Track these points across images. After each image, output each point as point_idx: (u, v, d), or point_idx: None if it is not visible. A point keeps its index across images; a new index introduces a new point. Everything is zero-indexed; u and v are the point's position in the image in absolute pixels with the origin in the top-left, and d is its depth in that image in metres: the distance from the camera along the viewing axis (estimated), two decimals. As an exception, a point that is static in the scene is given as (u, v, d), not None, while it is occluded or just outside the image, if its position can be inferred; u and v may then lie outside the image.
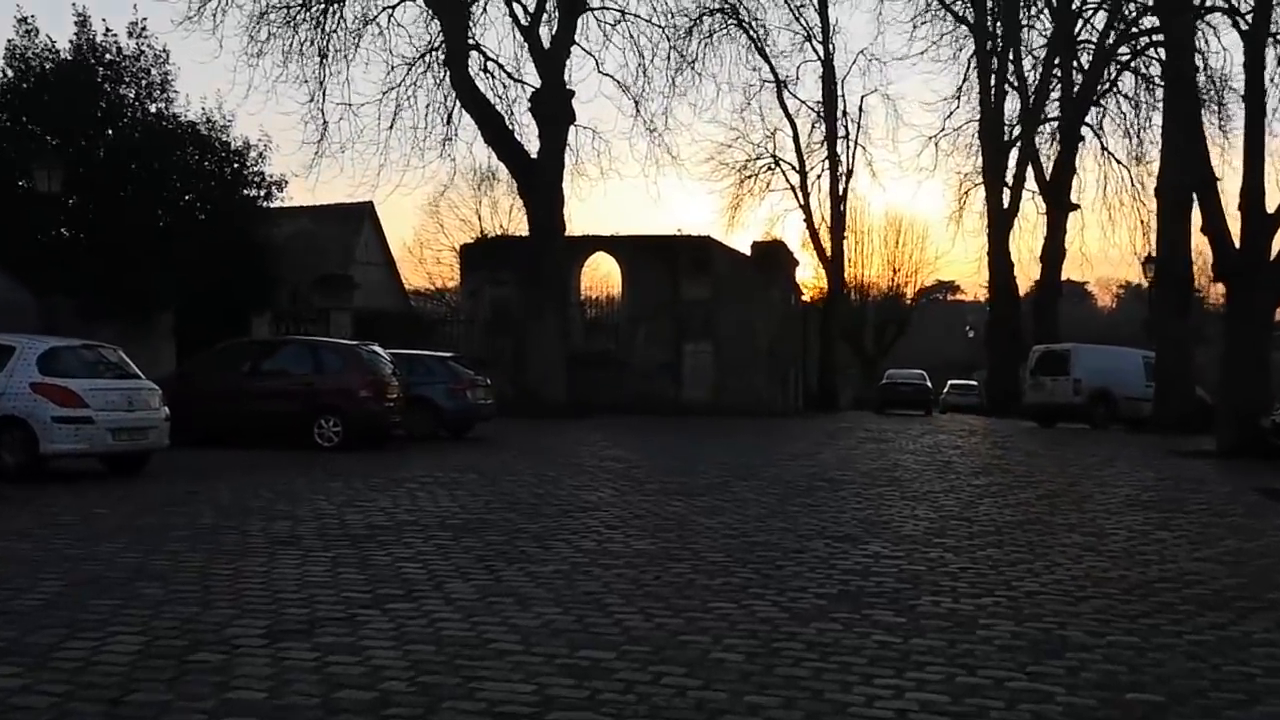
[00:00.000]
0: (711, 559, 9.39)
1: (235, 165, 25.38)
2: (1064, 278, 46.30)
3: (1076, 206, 42.29)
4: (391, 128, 29.96)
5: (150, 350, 22.98)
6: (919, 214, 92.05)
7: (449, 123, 30.17)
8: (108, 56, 23.86)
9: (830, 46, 46.51)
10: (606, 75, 33.17)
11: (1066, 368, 30.74)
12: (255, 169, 25.70)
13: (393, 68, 30.05)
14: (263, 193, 25.87)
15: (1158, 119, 40.12)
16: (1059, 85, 42.80)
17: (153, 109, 24.44)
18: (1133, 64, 39.77)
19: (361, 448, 18.92)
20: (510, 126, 30.70)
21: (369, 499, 12.80)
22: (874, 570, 9.02)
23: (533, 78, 30.59)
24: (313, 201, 45.06)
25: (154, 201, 23.43)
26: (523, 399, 29.27)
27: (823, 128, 47.39)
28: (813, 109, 47.47)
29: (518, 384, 30.37)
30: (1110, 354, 32.01)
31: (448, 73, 29.58)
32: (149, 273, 22.49)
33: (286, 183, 26.27)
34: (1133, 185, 43.55)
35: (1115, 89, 41.04)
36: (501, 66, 31.06)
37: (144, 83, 24.19)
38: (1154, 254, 37.52)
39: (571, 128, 30.98)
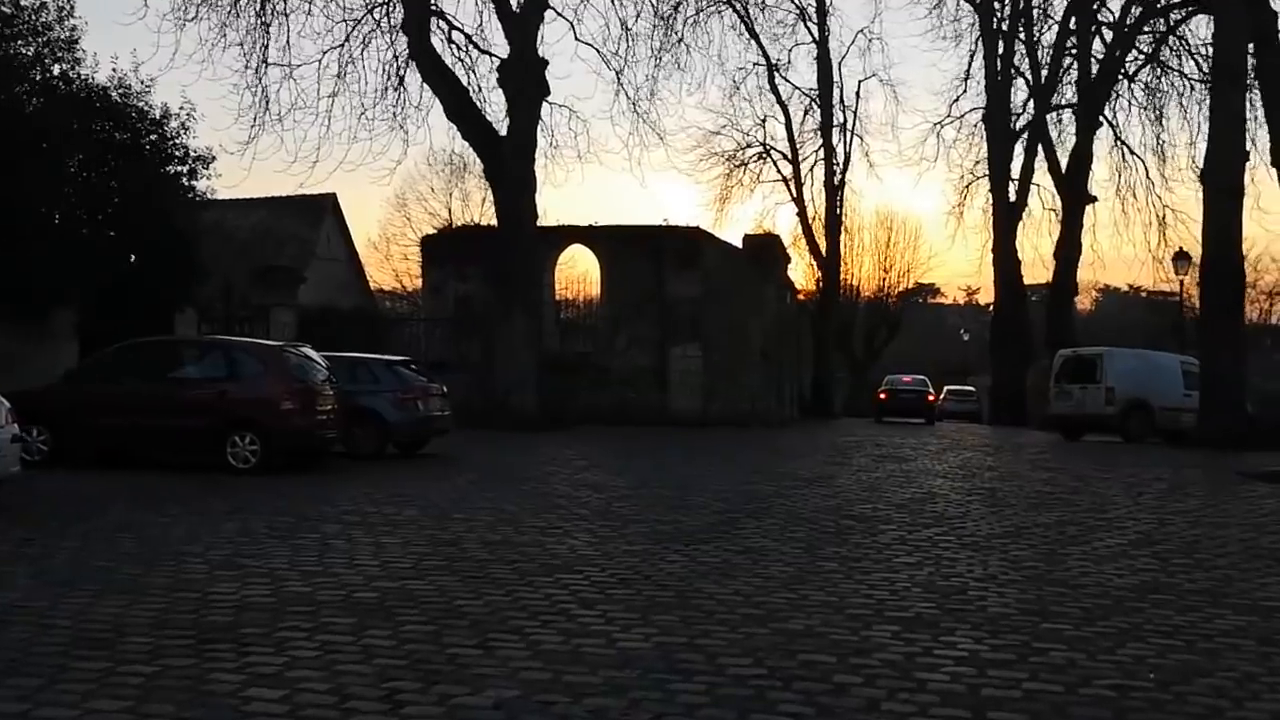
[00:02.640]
0: (735, 669, 6.24)
1: (153, 137, 21.90)
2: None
3: (1095, 199, 39.33)
4: (334, 96, 26.47)
5: (47, 353, 19.69)
6: (911, 212, 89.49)
7: (399, 88, 26.77)
8: (3, 9, 20.39)
9: (826, 28, 43.48)
10: (584, 43, 29.76)
11: (1097, 375, 27.66)
12: (177, 141, 22.26)
13: (335, 24, 26.44)
14: (186, 169, 22.46)
15: (1176, 107, 37.53)
16: (1074, 67, 39.82)
17: (55, 70, 20.98)
18: (1160, 52, 36.66)
19: (285, 470, 15.68)
20: (478, 104, 27.45)
21: (261, 553, 9.55)
22: (986, 691, 5.88)
23: (502, 50, 27.36)
24: (266, 192, 41.84)
25: (53, 178, 19.92)
26: (489, 409, 26.03)
27: (816, 114, 44.34)
28: (806, 94, 44.45)
29: (484, 391, 27.10)
30: (1146, 359, 28.95)
31: (397, 37, 26.31)
32: (46, 261, 19.04)
33: (214, 158, 22.85)
34: (1148, 178, 40.71)
35: (1131, 77, 37.95)
36: (468, 36, 27.80)
37: (45, 39, 20.72)
38: (1183, 249, 34.83)
39: (546, 105, 27.78)
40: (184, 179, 22.43)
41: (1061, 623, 7.65)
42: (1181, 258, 34.32)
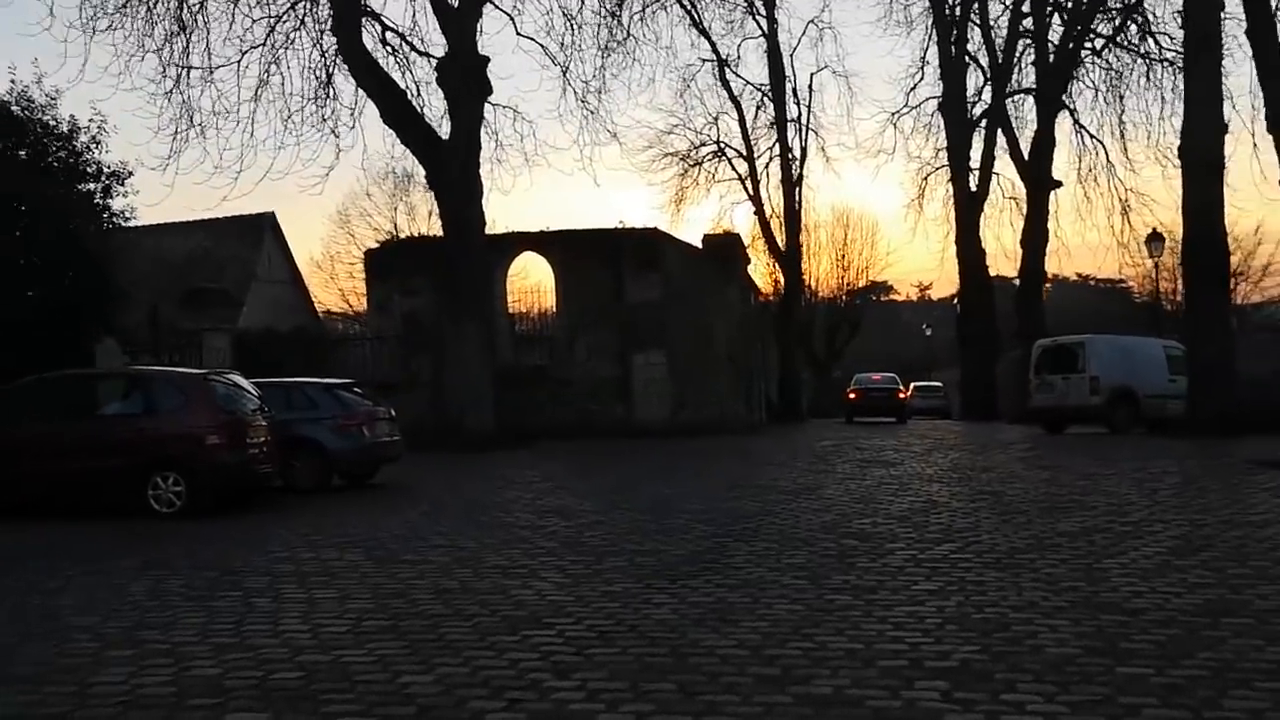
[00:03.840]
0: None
1: (62, 154, 20.12)
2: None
3: (1059, 184, 38.21)
4: (256, 99, 24.60)
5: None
6: (868, 208, 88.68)
7: (328, 88, 25.02)
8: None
9: (775, 20, 42.24)
10: (526, 38, 28.12)
11: (1079, 364, 26.49)
12: (88, 157, 20.48)
13: (255, 21, 24.66)
14: (99, 187, 20.71)
15: (1138, 87, 36.66)
16: (1032, 50, 38.78)
17: (-56, 82, 19.28)
18: (1124, 31, 35.62)
19: (216, 512, 14.09)
20: (417, 107, 25.88)
21: (168, 621, 8.04)
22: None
23: (439, 50, 25.78)
24: (203, 214, 40.00)
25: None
26: (443, 429, 24.45)
27: (770, 110, 43.07)
28: (758, 89, 43.18)
29: (437, 411, 25.54)
30: (1129, 346, 27.79)
31: (324, 35, 24.62)
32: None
33: (130, 174, 21.11)
34: (1108, 161, 39.76)
35: (1098, 52, 36.88)
36: (402, 36, 26.19)
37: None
38: (1156, 229, 33.90)
39: (489, 106, 26.26)
40: (97, 197, 20.71)
41: (1139, 664, 6.32)
42: (1155, 239, 33.34)
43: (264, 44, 24.40)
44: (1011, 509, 12.69)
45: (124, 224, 21.48)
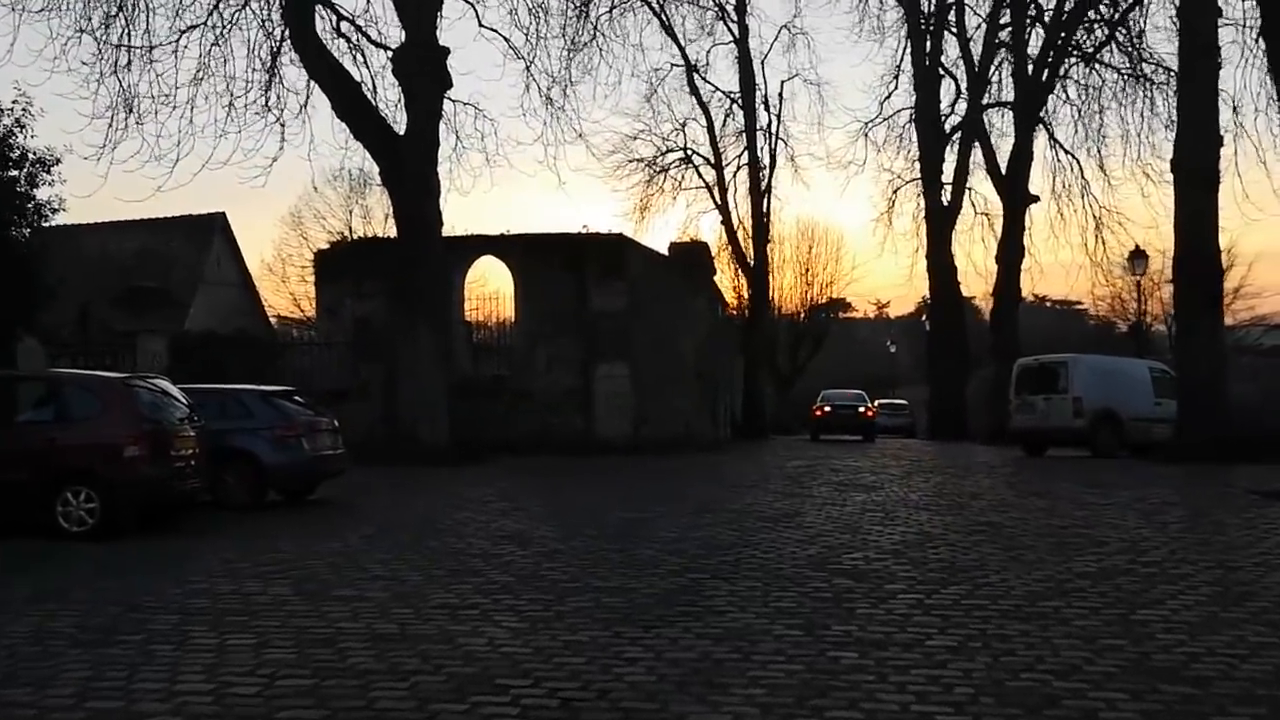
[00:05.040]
0: None
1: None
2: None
3: (1036, 199, 37.27)
4: (198, 83, 22.92)
5: None
6: (834, 223, 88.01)
7: (272, 71, 23.47)
8: None
9: (745, 25, 41.15)
10: (489, 28, 26.64)
11: (1062, 384, 25.46)
12: (10, 141, 18.88)
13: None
14: (22, 174, 19.16)
15: (1117, 102, 35.93)
16: (1009, 63, 37.88)
17: None
18: (1112, 42, 34.75)
19: (134, 532, 12.67)
20: (373, 101, 24.49)
21: (45, 676, 6.69)
22: None
23: (397, 41, 24.39)
24: (151, 211, 38.35)
25: None
26: (394, 441, 23.04)
27: (739, 117, 41.95)
28: (728, 96, 42.06)
29: (388, 422, 24.11)
30: (1113, 366, 26.83)
31: (270, 15, 23.13)
32: None
33: (58, 160, 19.57)
34: (1083, 178, 38.94)
35: (1088, 59, 35.95)
36: (358, 27, 24.77)
37: None
38: (1139, 246, 33.10)
39: (449, 102, 24.92)
40: (21, 185, 19.15)
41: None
42: (1138, 256, 32.46)
43: (204, 23, 22.85)
44: (1015, 544, 11.51)
45: (50, 215, 19.94)
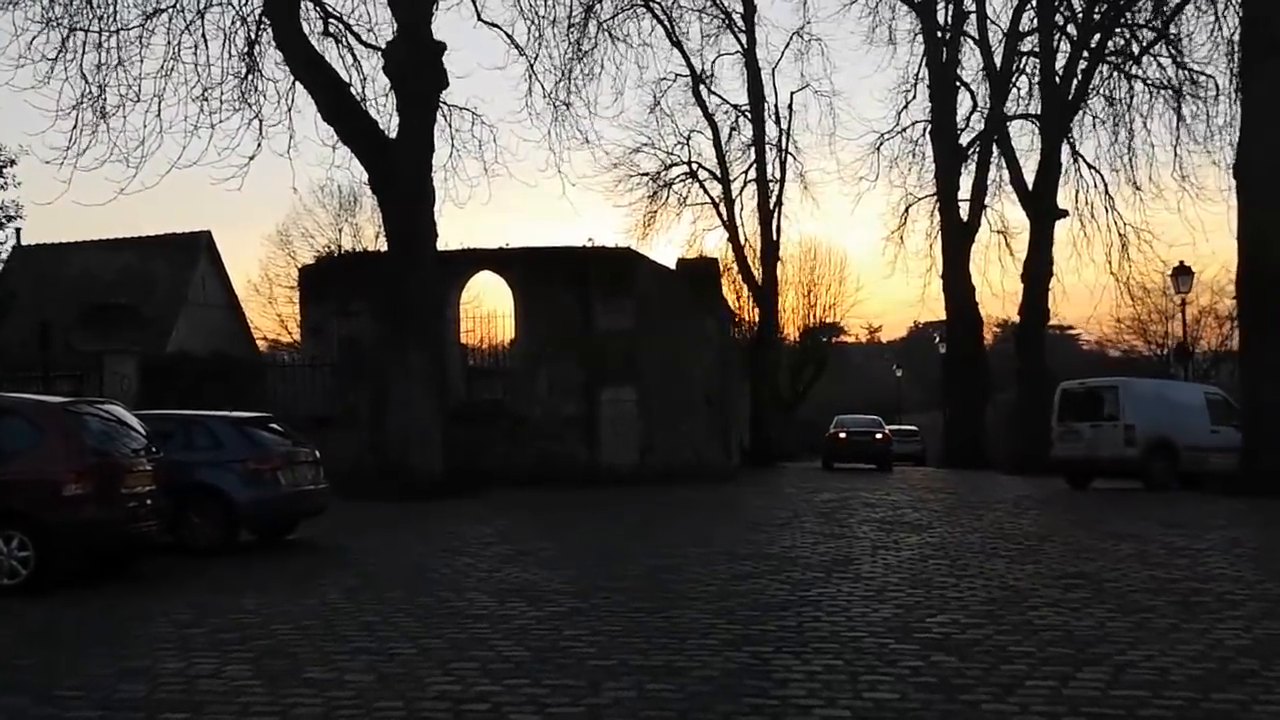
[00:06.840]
0: None
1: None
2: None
3: (1065, 213, 35.50)
4: (165, 72, 20.92)
5: None
6: (837, 243, 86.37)
7: (248, 59, 21.51)
8: None
9: (753, 34, 39.50)
10: (489, 24, 24.68)
11: (1111, 410, 23.57)
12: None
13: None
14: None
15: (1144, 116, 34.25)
16: (1028, 74, 36.26)
17: None
18: (1143, 56, 33.09)
19: (74, 583, 10.76)
20: (362, 103, 22.63)
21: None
22: None
23: (389, 38, 22.53)
24: (134, 231, 36.41)
25: None
26: (384, 472, 21.11)
27: (746, 131, 40.23)
28: (735, 108, 40.34)
29: (377, 451, 22.17)
30: (1167, 391, 24.99)
31: (252, 4, 21.26)
32: None
33: (14, 161, 17.76)
34: (1106, 194, 37.25)
35: (1123, 70, 34.30)
36: (347, 24, 22.91)
37: None
38: (1183, 262, 31.42)
39: (445, 107, 23.08)
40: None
41: None
42: (1183, 273, 30.72)
43: (174, 5, 20.89)
44: (1129, 604, 9.60)
45: (6, 221, 18.09)
